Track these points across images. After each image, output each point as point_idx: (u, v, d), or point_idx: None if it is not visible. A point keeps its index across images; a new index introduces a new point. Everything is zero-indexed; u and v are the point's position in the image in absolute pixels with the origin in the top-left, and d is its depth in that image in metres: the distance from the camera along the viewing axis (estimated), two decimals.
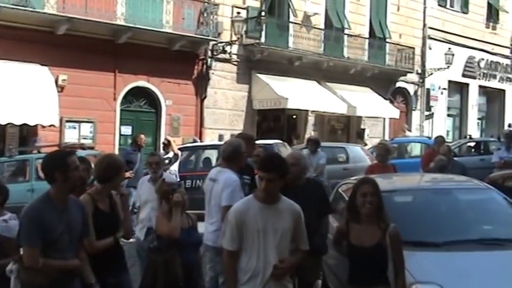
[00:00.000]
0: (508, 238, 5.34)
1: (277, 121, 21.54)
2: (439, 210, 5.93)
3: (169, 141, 12.45)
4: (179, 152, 12.47)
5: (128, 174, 10.20)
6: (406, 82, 24.91)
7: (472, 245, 5.16)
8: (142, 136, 11.89)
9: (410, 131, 22.90)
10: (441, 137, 12.14)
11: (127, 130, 17.21)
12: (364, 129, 22.34)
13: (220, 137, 17.49)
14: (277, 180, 3.79)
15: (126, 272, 4.84)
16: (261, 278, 3.78)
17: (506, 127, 24.50)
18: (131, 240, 5.55)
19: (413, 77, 24.99)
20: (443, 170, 8.44)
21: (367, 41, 22.80)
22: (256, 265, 3.79)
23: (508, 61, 29.06)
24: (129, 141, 14.81)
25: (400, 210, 5.85)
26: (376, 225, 4.03)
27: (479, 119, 28.73)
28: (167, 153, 11.99)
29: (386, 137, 22.25)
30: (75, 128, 16.02)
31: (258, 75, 19.68)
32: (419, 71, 25.21)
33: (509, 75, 29.25)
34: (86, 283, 3.92)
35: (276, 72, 19.90)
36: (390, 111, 22.95)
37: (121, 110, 17.22)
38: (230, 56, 19.27)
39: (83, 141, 15.30)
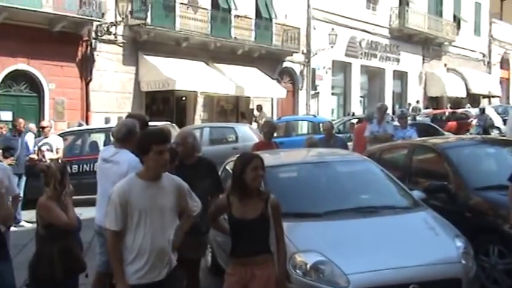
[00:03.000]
0: (383, 205, 5.70)
1: (166, 103, 21.34)
2: (320, 182, 6.20)
3: (45, 127, 11.72)
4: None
5: (9, 160, 9.75)
6: (293, 62, 25.51)
7: (350, 213, 5.46)
8: (21, 120, 11.34)
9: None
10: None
11: (7, 116, 16.32)
12: (253, 109, 22.65)
13: (107, 120, 17.05)
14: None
15: (6, 261, 4.65)
16: (147, 257, 3.78)
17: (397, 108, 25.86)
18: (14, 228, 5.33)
19: (299, 57, 25.62)
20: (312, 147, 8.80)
21: (253, 21, 23.03)
22: (142, 244, 3.78)
23: (387, 41, 30.50)
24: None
25: (284, 184, 6.08)
26: (258, 197, 4.14)
27: (361, 96, 30.03)
28: (45, 137, 11.42)
29: (275, 117, 22.72)
30: None
31: (145, 56, 19.35)
32: (305, 51, 25.88)
33: (389, 55, 30.74)
34: None
35: (163, 53, 19.67)
36: (278, 91, 23.45)
37: (0, 94, 16.32)
38: (115, 37, 18.79)
39: None
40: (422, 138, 9.37)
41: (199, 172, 5.21)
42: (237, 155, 4.51)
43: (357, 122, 18.24)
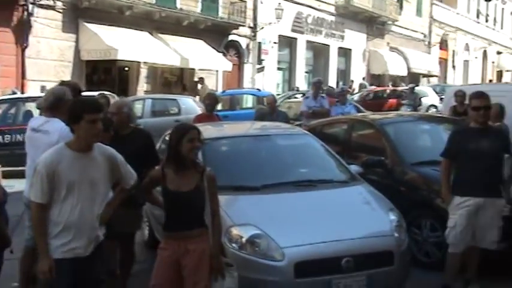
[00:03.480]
0: (321, 179, 5.73)
1: (108, 73, 20.81)
2: (260, 156, 6.18)
3: None
4: None
5: None
6: (239, 35, 25.31)
7: (288, 187, 5.46)
8: None
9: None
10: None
11: None
12: (197, 82, 22.38)
13: (43, 89, 16.43)
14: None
15: None
16: (74, 231, 3.65)
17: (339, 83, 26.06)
18: None
19: (245, 30, 25.44)
20: (264, 118, 8.81)
21: None
22: (69, 217, 3.64)
23: (332, 18, 30.66)
24: None
25: (223, 157, 6.03)
26: (193, 169, 4.07)
27: (306, 72, 30.18)
28: None
29: (220, 90, 22.55)
30: None
31: (86, 24, 18.74)
32: (251, 25, 25.71)
33: (334, 32, 30.94)
34: None
35: (105, 21, 19.10)
36: (223, 64, 23.24)
37: None
38: (54, 3, 18.07)
39: None
40: (362, 114, 9.50)
41: (134, 143, 5.09)
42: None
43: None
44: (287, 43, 28.60)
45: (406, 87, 23.51)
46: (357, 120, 8.38)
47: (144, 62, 20.53)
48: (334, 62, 31.53)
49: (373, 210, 5.27)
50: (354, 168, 6.23)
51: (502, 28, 47.99)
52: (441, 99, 20.32)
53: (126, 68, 20.93)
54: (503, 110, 7.44)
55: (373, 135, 7.64)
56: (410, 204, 6.28)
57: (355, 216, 5.06)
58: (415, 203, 6.43)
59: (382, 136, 7.24)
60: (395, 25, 35.11)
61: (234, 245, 4.68)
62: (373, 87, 27.78)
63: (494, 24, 47.98)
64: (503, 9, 49.54)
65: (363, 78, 30.66)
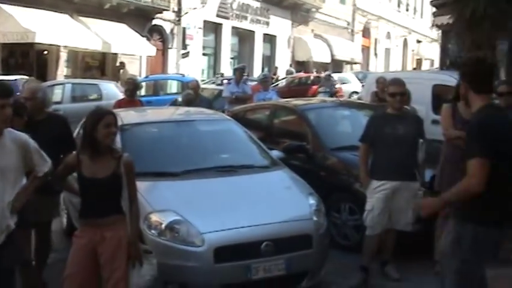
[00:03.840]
0: (242, 164, 5.74)
1: (25, 57, 19.98)
2: (181, 141, 6.12)
3: None
4: None
5: None
6: (163, 20, 24.90)
7: (209, 172, 5.44)
8: None
9: None
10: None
11: None
12: (119, 67, 21.87)
13: None
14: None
15: None
16: None
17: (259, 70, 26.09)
18: None
19: (169, 15, 25.05)
20: (189, 104, 8.72)
21: None
22: None
23: (257, 4, 30.70)
24: None
25: (143, 142, 5.92)
26: (110, 155, 3.97)
27: (232, 58, 30.13)
28: None
29: (143, 75, 22.16)
30: None
31: (1, 5, 17.87)
32: (176, 10, 25.34)
33: (259, 18, 30.99)
34: None
35: (21, 2, 18.26)
36: (146, 48, 22.83)
37: None
38: None
39: None
40: (285, 100, 9.57)
41: (49, 128, 4.91)
42: None
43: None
44: (212, 28, 28.41)
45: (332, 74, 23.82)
46: (280, 106, 8.43)
47: (64, 46, 19.85)
48: (259, 48, 31.63)
49: (293, 195, 5.33)
50: (275, 153, 6.27)
51: (421, 17, 49.57)
52: (363, 86, 20.78)
53: (45, 52, 20.18)
54: (409, 95, 7.68)
55: (295, 121, 7.71)
56: (330, 189, 6.41)
57: (274, 201, 5.10)
58: (335, 187, 6.56)
59: (304, 122, 7.32)
60: (320, 12, 35.57)
61: (153, 231, 4.62)
62: (301, 73, 28.08)
63: (414, 14, 49.56)
64: (422, 0, 51.26)
65: (290, 65, 30.93)
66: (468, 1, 12.68)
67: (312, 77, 24.70)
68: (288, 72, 28.17)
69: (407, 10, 48.16)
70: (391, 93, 5.50)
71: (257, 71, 28.46)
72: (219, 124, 6.78)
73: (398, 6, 46.69)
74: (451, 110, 5.58)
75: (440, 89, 9.51)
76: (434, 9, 16.88)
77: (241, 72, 11.79)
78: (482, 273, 3.49)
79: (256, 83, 14.09)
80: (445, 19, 14.75)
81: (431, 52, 46.22)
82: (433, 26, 18.01)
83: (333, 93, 20.07)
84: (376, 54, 43.46)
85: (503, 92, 5.92)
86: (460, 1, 12.99)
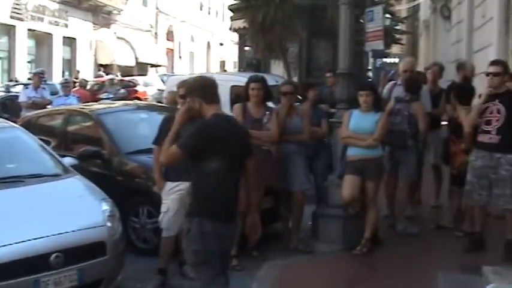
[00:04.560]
0: (30, 174, 5.42)
1: None
2: None
3: None
4: None
5: None
6: None
7: None
8: None
9: None
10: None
11: None
12: None
13: None
14: None
15: None
16: None
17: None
18: None
19: None
20: None
21: None
22: None
23: (56, 5, 29.32)
24: None
25: None
26: None
27: (28, 62, 28.39)
28: None
29: None
30: None
31: None
32: None
33: (57, 20, 29.62)
34: None
35: None
36: None
37: None
38: None
39: None
40: (81, 104, 9.29)
41: None
42: None
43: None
44: (5, 31, 26.51)
45: (133, 78, 23.63)
46: (74, 111, 8.13)
47: None
48: (58, 52, 30.19)
49: (85, 202, 5.16)
50: (68, 160, 6.02)
51: (223, 20, 51.16)
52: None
53: None
54: None
55: (90, 126, 7.48)
56: (128, 193, 6.35)
57: (65, 210, 4.89)
58: (133, 191, 6.51)
59: (99, 127, 7.15)
60: (122, 15, 35.04)
61: None
62: (110, 76, 27.36)
63: (216, 17, 51.02)
64: (223, 4, 52.90)
65: (99, 69, 30.07)
66: (260, 6, 13.43)
67: (115, 80, 24.30)
68: (98, 77, 27.48)
69: (209, 13, 49.43)
70: (181, 96, 5.58)
71: (57, 75, 27.20)
72: (3, 132, 6.30)
73: (201, 9, 47.75)
74: (242, 110, 5.97)
75: (237, 89, 9.90)
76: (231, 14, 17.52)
77: (40, 76, 11.48)
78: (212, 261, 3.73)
79: (77, 88, 14.12)
80: (241, 23, 15.44)
81: (234, 54, 48.02)
82: (230, 29, 18.68)
83: (119, 98, 19.71)
84: (180, 57, 43.99)
85: (287, 92, 6.39)
86: (252, 6, 13.71)
